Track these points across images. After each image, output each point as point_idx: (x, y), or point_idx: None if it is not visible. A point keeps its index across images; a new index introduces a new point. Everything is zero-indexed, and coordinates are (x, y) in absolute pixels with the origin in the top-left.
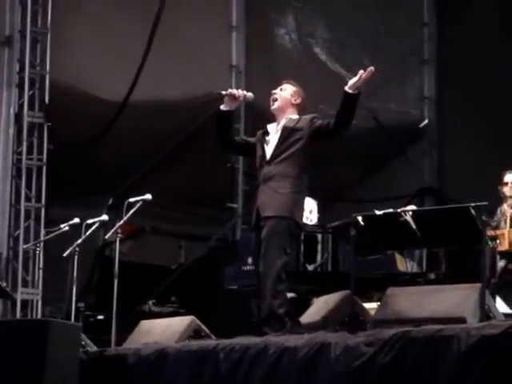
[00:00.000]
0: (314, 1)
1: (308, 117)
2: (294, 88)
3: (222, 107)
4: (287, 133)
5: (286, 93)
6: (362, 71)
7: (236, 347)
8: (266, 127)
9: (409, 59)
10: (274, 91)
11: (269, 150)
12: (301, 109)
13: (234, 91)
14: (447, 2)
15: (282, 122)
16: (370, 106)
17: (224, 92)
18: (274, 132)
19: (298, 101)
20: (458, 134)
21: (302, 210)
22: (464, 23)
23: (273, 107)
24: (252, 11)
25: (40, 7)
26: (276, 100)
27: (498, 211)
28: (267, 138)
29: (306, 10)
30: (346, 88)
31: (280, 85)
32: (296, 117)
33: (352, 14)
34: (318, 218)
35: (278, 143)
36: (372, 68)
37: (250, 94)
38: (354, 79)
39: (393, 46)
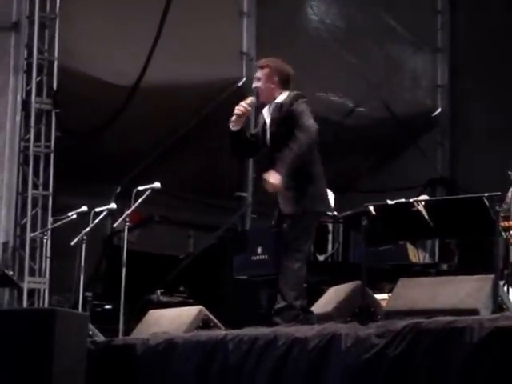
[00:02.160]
0: None
1: (291, 96)
2: (267, 70)
3: (234, 128)
4: (276, 123)
5: (261, 83)
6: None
7: (245, 338)
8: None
9: (422, 48)
10: (253, 85)
11: (267, 138)
12: (283, 82)
13: (239, 111)
14: None
15: (269, 111)
16: (383, 96)
17: (232, 124)
18: (267, 118)
19: (276, 79)
20: (471, 123)
21: (323, 198)
22: (477, 11)
23: (260, 99)
24: None
25: None
26: (257, 93)
27: (510, 195)
28: (265, 126)
29: None
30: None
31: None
32: (280, 100)
33: (365, 3)
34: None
35: (270, 135)
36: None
37: (251, 99)
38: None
39: (405, 35)
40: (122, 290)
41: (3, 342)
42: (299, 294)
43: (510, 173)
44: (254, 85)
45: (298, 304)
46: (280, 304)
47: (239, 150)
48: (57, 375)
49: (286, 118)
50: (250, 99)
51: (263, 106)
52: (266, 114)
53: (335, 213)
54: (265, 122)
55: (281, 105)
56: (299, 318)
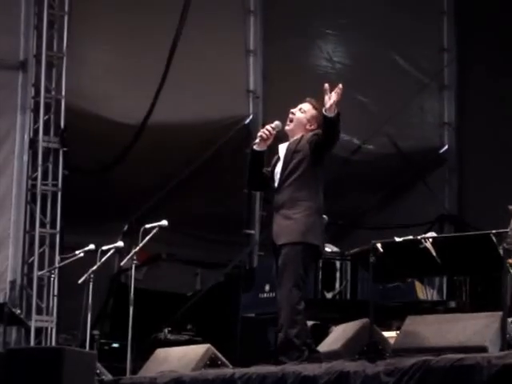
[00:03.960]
0: (334, 27)
1: (309, 134)
2: (313, 112)
3: (256, 147)
4: (290, 156)
5: (303, 116)
6: (326, 86)
7: (253, 376)
8: (277, 148)
9: (428, 85)
10: (293, 110)
11: (277, 175)
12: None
13: (264, 134)
14: (467, 28)
15: (286, 146)
16: (390, 132)
17: (257, 140)
18: (282, 156)
19: (313, 127)
20: (478, 160)
21: (318, 232)
22: (484, 49)
23: (286, 128)
24: (270, 36)
25: (55, 31)
26: (291, 121)
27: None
28: (279, 164)
29: (326, 35)
30: (324, 112)
31: (303, 102)
32: (298, 137)
33: (372, 40)
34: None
35: (282, 168)
36: (340, 85)
37: (277, 124)
38: (328, 102)
39: (412, 72)
40: (130, 328)
41: (12, 380)
42: (299, 330)
43: (510, 207)
44: (292, 110)
45: (298, 342)
46: (281, 342)
47: (255, 177)
48: None
49: (303, 146)
50: (276, 123)
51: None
52: (283, 149)
53: (330, 249)
54: (278, 158)
55: (302, 137)
56: (304, 357)
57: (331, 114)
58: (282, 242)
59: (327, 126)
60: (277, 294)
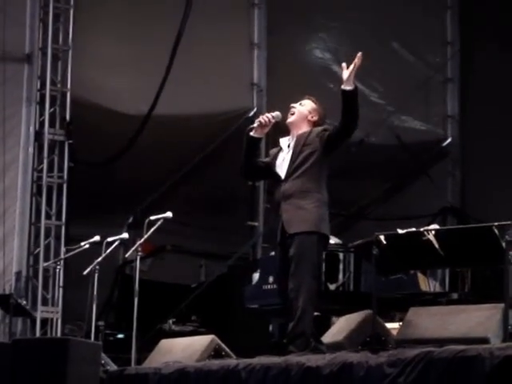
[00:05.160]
0: (338, 19)
1: (318, 129)
2: (313, 105)
3: (253, 133)
4: (299, 148)
5: (304, 108)
6: (344, 65)
7: (257, 367)
8: (279, 141)
9: (432, 78)
10: (293, 105)
11: (284, 166)
12: (316, 123)
13: (262, 120)
14: (470, 21)
15: (295, 138)
16: (393, 125)
17: (254, 125)
18: (286, 148)
19: (315, 118)
20: (481, 152)
21: (327, 223)
22: (487, 41)
23: (288, 120)
24: (274, 29)
25: (61, 24)
26: (293, 114)
27: None
28: (281, 154)
29: (329, 28)
30: (343, 86)
31: (301, 99)
32: (307, 130)
33: (376, 33)
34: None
35: (291, 159)
36: (360, 53)
37: (277, 114)
38: (346, 73)
39: (416, 65)
40: (134, 319)
41: (18, 370)
42: (311, 321)
43: None
44: (292, 104)
45: (309, 331)
46: (294, 331)
47: (249, 164)
48: None
49: (313, 139)
50: (276, 113)
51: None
52: (286, 144)
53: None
54: (279, 150)
55: (311, 131)
56: (310, 347)
57: (350, 87)
58: (295, 230)
59: (347, 103)
60: (281, 282)
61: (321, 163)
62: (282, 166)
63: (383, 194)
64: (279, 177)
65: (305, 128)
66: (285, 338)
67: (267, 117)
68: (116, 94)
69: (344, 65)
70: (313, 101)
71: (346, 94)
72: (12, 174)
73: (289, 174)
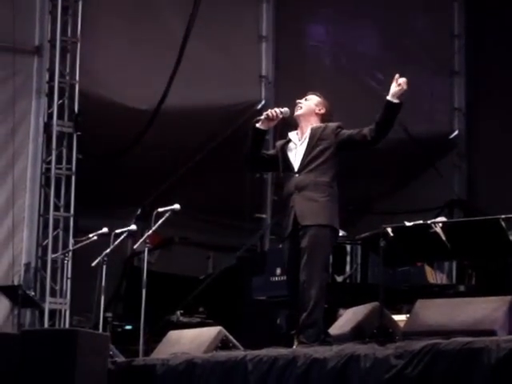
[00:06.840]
0: (346, 13)
1: (333, 125)
2: (318, 98)
3: (259, 125)
4: (314, 142)
5: (310, 102)
6: (397, 76)
7: (264, 358)
8: (287, 135)
9: (439, 71)
10: (299, 100)
11: (297, 158)
12: (324, 119)
13: (270, 114)
14: (477, 14)
15: (308, 131)
16: (400, 118)
17: (262, 117)
18: (298, 140)
19: (323, 111)
20: (488, 145)
21: (337, 218)
22: (494, 34)
23: (297, 113)
24: (282, 22)
25: (70, 17)
26: (300, 108)
27: None
28: (291, 146)
29: (338, 22)
30: (389, 97)
31: (305, 95)
32: (321, 124)
33: (383, 28)
34: None
35: (305, 152)
36: (405, 79)
37: (285, 110)
38: (395, 88)
39: (423, 58)
40: (142, 310)
41: (26, 361)
42: (321, 312)
43: None
44: (299, 100)
45: (321, 322)
46: (305, 322)
47: (254, 155)
48: None
49: (328, 135)
50: (285, 109)
51: (287, 127)
52: (296, 137)
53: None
54: (288, 142)
55: (326, 126)
56: (320, 338)
57: (397, 100)
58: (309, 223)
59: (388, 114)
60: (291, 273)
61: (334, 159)
62: (294, 159)
63: (390, 187)
64: (292, 168)
65: (313, 121)
66: (293, 330)
67: (275, 111)
68: (124, 87)
69: (397, 76)
70: (317, 95)
71: (393, 105)
72: (21, 166)
73: (303, 166)
